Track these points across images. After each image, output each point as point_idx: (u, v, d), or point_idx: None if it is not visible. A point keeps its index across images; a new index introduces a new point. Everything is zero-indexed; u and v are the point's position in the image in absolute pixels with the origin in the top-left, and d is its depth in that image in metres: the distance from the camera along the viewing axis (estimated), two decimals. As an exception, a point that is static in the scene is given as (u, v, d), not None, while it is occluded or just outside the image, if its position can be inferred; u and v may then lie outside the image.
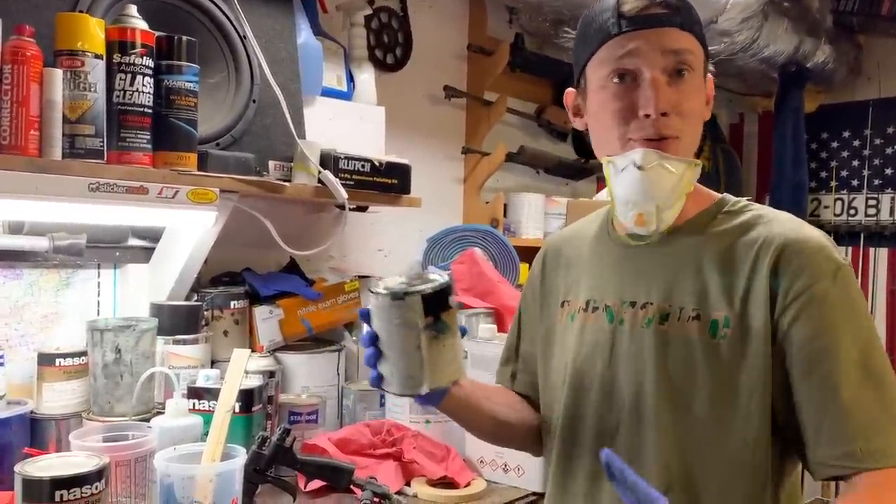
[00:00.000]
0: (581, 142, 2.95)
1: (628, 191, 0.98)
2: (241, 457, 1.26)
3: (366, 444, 1.58)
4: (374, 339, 0.93)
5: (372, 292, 0.92)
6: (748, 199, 1.05)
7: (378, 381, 0.95)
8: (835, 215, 3.81)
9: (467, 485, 1.55)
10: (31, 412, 1.42)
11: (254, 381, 1.51)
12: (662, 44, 0.95)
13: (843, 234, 3.73)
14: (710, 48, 1.05)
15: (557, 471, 1.08)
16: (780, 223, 0.98)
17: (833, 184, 3.81)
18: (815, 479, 0.92)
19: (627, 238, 1.05)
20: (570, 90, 1.08)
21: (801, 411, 0.91)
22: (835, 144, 3.83)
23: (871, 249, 3.73)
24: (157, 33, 1.34)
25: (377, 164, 1.75)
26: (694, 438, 0.96)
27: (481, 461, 1.65)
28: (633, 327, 1.02)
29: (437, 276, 0.93)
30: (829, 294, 0.91)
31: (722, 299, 0.96)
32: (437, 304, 0.90)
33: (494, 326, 1.84)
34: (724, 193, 1.07)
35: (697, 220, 1.02)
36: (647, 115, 0.94)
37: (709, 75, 1.03)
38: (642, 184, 0.95)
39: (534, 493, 1.57)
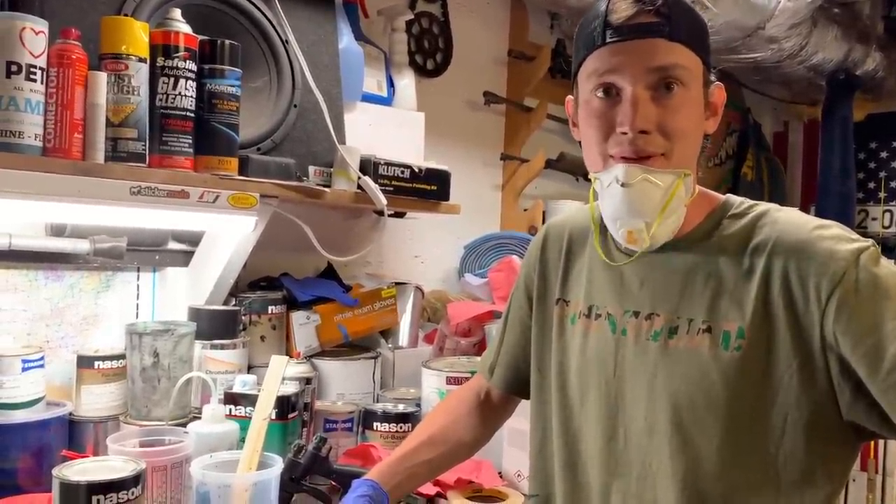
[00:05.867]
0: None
1: (614, 208, 0.95)
2: (277, 466, 1.24)
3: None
4: None
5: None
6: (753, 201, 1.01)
7: None
8: (883, 227, 3.71)
9: (504, 499, 1.52)
10: (70, 414, 1.42)
11: (290, 388, 1.49)
12: (649, 57, 0.91)
13: (892, 247, 3.63)
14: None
15: (563, 473, 1.07)
16: (786, 223, 0.93)
17: (882, 195, 3.71)
18: None
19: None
20: (569, 98, 1.04)
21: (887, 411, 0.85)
22: (884, 154, 3.73)
23: (921, 263, 3.61)
24: (201, 37, 1.34)
25: (417, 170, 1.73)
26: (710, 459, 0.92)
27: (518, 475, 1.61)
28: (637, 338, 0.98)
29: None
30: (859, 283, 0.86)
31: (733, 309, 0.92)
32: None
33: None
34: (728, 195, 1.02)
35: (702, 226, 0.98)
36: (625, 133, 0.91)
37: (716, 85, 0.98)
38: (628, 200, 0.93)
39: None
